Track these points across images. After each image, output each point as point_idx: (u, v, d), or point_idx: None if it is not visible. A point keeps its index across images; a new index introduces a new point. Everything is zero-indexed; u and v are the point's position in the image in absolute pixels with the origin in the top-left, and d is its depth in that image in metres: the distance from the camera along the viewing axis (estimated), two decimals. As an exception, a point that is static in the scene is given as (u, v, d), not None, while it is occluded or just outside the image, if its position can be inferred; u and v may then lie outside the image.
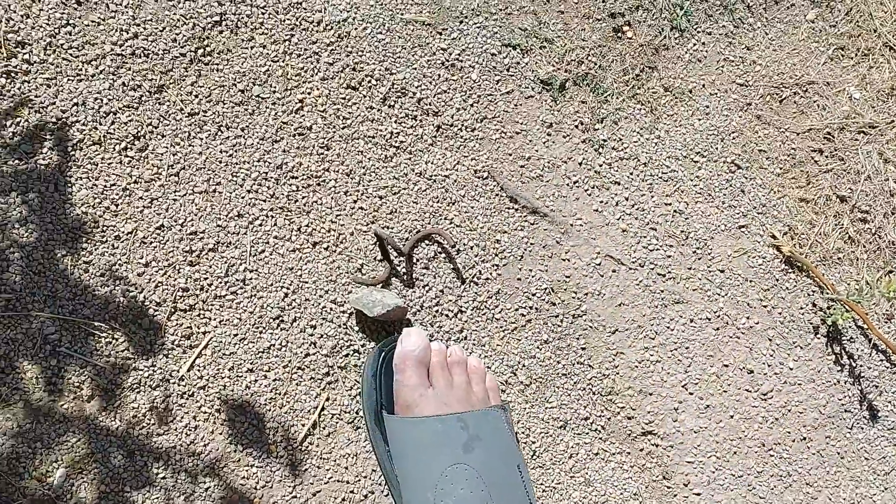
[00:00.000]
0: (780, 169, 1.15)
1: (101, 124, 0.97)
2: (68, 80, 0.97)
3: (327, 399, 1.00)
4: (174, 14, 1.01)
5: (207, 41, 1.02)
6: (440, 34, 1.09)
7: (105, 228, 0.96)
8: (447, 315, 1.04)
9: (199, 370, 0.97)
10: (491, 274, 1.06)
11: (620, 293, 1.09)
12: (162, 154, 0.99)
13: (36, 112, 0.96)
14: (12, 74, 0.95)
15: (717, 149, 1.14)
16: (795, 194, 1.15)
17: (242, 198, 1.00)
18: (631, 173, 1.11)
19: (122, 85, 0.99)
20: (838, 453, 1.12)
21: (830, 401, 1.12)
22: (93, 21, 0.99)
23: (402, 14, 1.08)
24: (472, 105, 1.08)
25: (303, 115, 1.03)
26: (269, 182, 1.01)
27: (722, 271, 1.12)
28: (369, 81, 1.06)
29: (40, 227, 0.94)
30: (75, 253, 0.95)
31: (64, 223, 0.95)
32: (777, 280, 1.13)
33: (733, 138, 1.14)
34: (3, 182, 0.93)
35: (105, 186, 0.97)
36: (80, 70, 0.98)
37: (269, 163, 1.01)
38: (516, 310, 1.06)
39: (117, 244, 0.96)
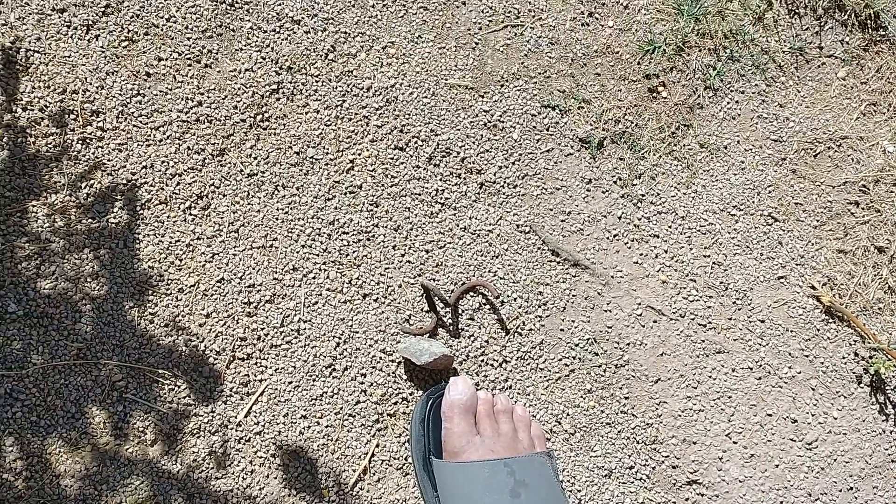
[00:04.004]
0: (817, 221, 1.18)
1: (167, 185, 1.04)
2: (138, 144, 1.05)
3: (377, 445, 1.03)
4: (235, 83, 1.09)
5: (266, 108, 1.09)
6: (482, 97, 1.15)
7: (170, 282, 1.02)
8: (492, 364, 1.07)
9: (255, 416, 1.01)
10: (534, 325, 1.09)
11: (662, 343, 1.11)
12: (223, 212, 1.05)
13: (108, 175, 1.03)
14: (87, 141, 1.03)
15: (753, 202, 1.17)
16: (833, 246, 1.17)
17: (297, 252, 1.06)
18: (669, 226, 1.15)
19: (187, 149, 1.06)
20: (888, 504, 1.12)
21: (876, 451, 1.12)
22: (161, 91, 1.07)
23: (446, 79, 1.14)
24: (513, 163, 1.14)
25: (354, 175, 1.09)
26: (322, 237, 1.07)
27: (762, 321, 1.14)
28: (416, 142, 1.12)
29: (110, 281, 1.00)
30: (142, 305, 1.01)
31: (132, 277, 1.01)
32: (818, 330, 1.14)
33: (769, 192, 1.18)
34: (78, 239, 1.00)
35: (170, 242, 1.03)
36: (149, 136, 1.05)
37: (322, 219, 1.07)
38: (560, 360, 1.09)
39: (181, 296, 1.02)
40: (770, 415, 1.11)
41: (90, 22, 1.06)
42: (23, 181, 1.00)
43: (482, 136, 1.14)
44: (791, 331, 1.14)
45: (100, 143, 1.04)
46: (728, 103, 1.20)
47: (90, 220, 1.01)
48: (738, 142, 1.19)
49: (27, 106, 1.02)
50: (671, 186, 1.16)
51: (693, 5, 1.19)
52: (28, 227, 0.99)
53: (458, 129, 1.13)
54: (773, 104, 1.20)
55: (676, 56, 1.19)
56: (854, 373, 1.14)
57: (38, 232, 0.99)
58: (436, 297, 1.05)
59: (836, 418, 1.12)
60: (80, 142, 1.03)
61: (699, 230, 1.15)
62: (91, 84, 1.05)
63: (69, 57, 1.05)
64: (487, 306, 1.08)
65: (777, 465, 1.10)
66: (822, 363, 1.13)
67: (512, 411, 0.99)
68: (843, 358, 1.14)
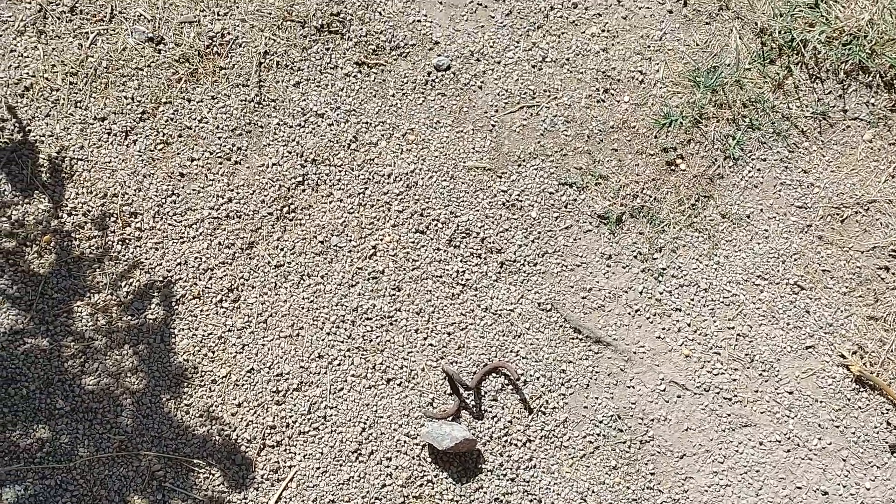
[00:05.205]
0: (846, 288, 1.16)
1: (200, 280, 1.11)
2: (173, 242, 1.12)
3: (403, 528, 1.07)
4: (263, 178, 1.15)
5: (292, 199, 1.15)
6: (500, 177, 1.18)
7: (203, 373, 1.08)
8: (516, 444, 1.10)
9: (285, 502, 1.06)
10: (558, 403, 1.11)
11: (686, 418, 1.12)
12: (252, 303, 1.11)
13: (146, 273, 1.10)
14: (127, 241, 1.11)
15: (778, 271, 1.16)
16: (863, 312, 1.16)
17: (322, 340, 1.11)
18: (692, 299, 1.15)
19: (218, 244, 1.12)
20: (928, 580, 1.09)
21: (914, 525, 1.10)
22: (194, 189, 1.13)
23: (464, 162, 1.18)
24: (533, 241, 1.16)
25: (376, 260, 1.14)
26: (346, 324, 1.11)
27: (790, 393, 1.13)
28: (436, 225, 1.16)
29: (148, 375, 1.07)
30: (178, 397, 1.07)
31: (168, 370, 1.08)
32: (849, 400, 1.13)
33: (795, 260, 1.17)
34: (118, 336, 1.07)
35: (203, 335, 1.09)
36: (183, 233, 1.12)
37: (346, 306, 1.12)
38: (584, 437, 1.11)
39: (214, 387, 1.08)
40: (800, 487, 1.10)
41: (128, 128, 1.14)
42: (69, 283, 1.08)
43: (501, 215, 1.17)
44: (820, 401, 1.13)
45: (138, 243, 1.11)
46: (749, 172, 1.19)
47: (130, 318, 1.08)
48: (762, 210, 1.18)
49: (72, 211, 1.10)
50: (692, 259, 1.16)
51: (709, 77, 1.20)
52: (73, 326, 1.07)
53: (478, 210, 1.16)
54: (796, 170, 1.20)
55: (694, 128, 1.20)
56: (887, 442, 1.12)
57: (83, 331, 1.07)
58: (457, 382, 1.08)
59: (868, 489, 1.10)
60: (120, 242, 1.11)
61: (723, 302, 1.15)
62: (129, 187, 1.12)
63: (109, 162, 1.13)
64: (510, 387, 1.11)
65: (809, 541, 1.09)
66: (854, 433, 1.12)
67: None
68: (875, 427, 1.12)
